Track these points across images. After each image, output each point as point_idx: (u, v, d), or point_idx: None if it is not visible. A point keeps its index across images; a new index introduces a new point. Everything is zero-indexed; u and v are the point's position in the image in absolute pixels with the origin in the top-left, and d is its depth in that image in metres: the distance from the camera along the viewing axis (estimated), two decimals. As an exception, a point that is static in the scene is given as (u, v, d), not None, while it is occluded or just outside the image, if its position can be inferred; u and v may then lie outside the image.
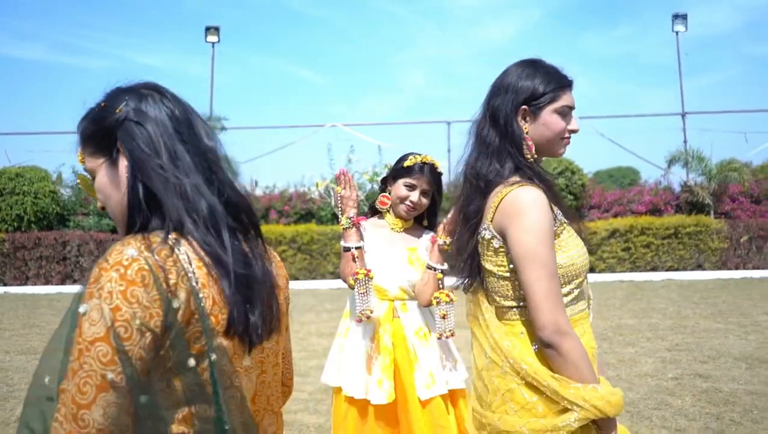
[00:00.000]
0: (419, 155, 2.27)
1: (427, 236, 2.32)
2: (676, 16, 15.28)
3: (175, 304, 0.83)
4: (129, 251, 0.83)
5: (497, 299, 1.51)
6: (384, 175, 2.40)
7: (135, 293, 0.80)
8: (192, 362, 0.84)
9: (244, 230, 0.97)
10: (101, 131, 0.95)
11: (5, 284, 11.64)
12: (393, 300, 2.24)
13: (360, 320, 2.17)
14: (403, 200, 2.25)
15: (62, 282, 11.84)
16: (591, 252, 11.72)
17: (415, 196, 2.24)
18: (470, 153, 1.57)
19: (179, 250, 0.86)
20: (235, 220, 0.95)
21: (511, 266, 1.44)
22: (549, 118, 1.49)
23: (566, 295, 1.44)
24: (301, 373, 4.93)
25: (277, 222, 13.08)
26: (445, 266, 2.19)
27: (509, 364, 1.43)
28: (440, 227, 2.17)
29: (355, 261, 2.16)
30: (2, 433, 3.75)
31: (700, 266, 12.32)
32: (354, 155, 12.31)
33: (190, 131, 0.96)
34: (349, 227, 2.19)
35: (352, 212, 2.19)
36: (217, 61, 15.99)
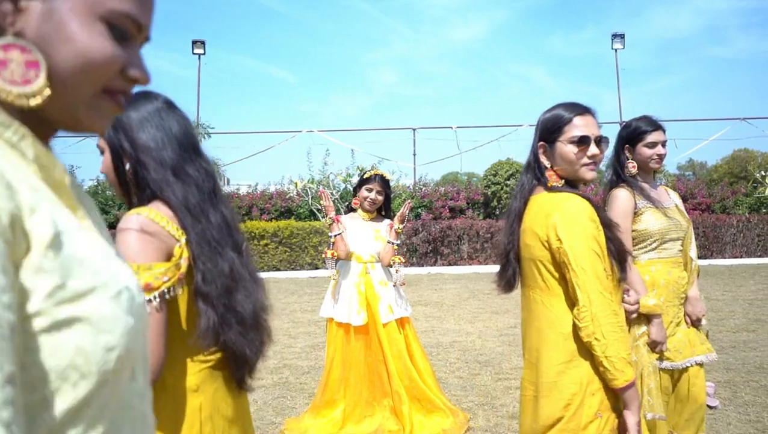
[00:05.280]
0: (374, 169, 3.70)
1: (386, 222, 3.70)
2: (614, 36, 16.42)
3: None
4: None
5: None
6: (355, 180, 3.80)
7: None
8: None
9: None
10: None
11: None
12: (366, 263, 3.61)
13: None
14: (365, 199, 3.62)
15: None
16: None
17: (372, 195, 3.61)
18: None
19: None
20: None
21: None
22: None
23: (647, 246, 2.41)
24: (292, 336, 6.32)
25: (259, 218, 14.26)
26: (399, 241, 3.59)
27: None
28: (396, 217, 3.57)
29: (335, 243, 3.55)
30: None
31: (634, 257, 13.93)
32: (330, 158, 13.54)
33: None
34: (331, 223, 3.57)
35: (332, 213, 3.58)
36: (201, 67, 16.97)
